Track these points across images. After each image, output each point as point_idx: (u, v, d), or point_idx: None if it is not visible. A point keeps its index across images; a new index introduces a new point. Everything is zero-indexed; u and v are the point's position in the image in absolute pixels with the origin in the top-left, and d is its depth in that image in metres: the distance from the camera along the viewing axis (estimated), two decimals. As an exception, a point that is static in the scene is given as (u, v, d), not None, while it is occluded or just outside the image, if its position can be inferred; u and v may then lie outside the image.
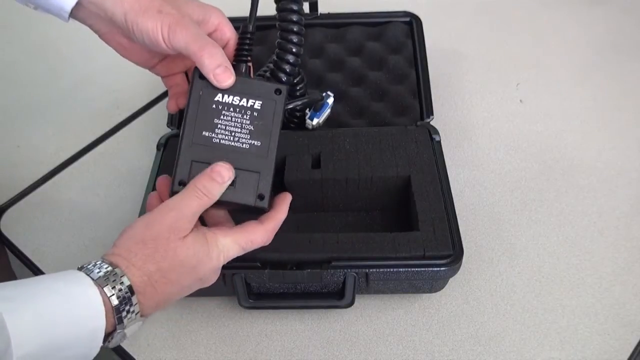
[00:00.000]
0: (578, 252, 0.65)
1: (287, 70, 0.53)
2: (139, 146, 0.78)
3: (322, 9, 0.79)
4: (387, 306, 0.62)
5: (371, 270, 0.56)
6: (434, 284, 0.59)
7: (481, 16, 0.92)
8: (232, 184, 0.49)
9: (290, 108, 0.64)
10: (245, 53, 0.52)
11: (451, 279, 0.60)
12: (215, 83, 0.49)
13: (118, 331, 0.43)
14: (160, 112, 0.82)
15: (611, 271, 0.63)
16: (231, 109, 0.50)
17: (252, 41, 0.53)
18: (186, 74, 0.57)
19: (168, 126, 0.71)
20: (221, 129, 0.50)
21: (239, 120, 0.50)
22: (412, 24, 0.78)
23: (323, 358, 0.58)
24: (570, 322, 0.60)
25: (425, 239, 0.57)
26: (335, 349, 0.59)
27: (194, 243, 0.47)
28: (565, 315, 0.60)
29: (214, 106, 0.50)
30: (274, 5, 0.53)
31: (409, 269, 0.56)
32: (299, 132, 0.66)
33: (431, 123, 0.69)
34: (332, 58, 0.77)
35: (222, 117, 0.50)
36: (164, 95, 0.83)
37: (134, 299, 0.43)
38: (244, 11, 0.53)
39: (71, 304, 0.41)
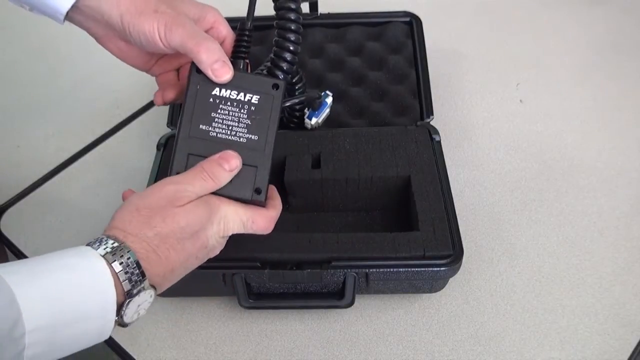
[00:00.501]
0: (578, 252, 0.65)
1: (284, 68, 0.53)
2: (139, 146, 0.78)
3: (322, 9, 0.79)
4: (387, 306, 0.62)
5: (371, 270, 0.56)
6: (434, 284, 0.59)
7: (481, 16, 0.92)
8: None
9: (289, 107, 0.64)
10: (243, 50, 0.52)
11: (451, 279, 0.60)
12: (213, 78, 0.49)
13: (128, 300, 0.42)
14: (160, 112, 0.82)
15: (611, 271, 0.63)
16: (228, 103, 0.50)
17: (250, 38, 0.53)
18: (177, 71, 0.57)
19: (168, 126, 0.71)
20: (218, 122, 0.50)
21: (236, 115, 0.50)
22: (412, 24, 0.78)
23: (323, 358, 0.58)
24: (570, 322, 0.60)
25: (425, 239, 0.57)
26: (335, 349, 0.59)
27: (195, 208, 0.46)
28: (565, 315, 0.60)
29: (211, 100, 0.50)
30: (273, 6, 0.53)
31: (409, 269, 0.56)
32: (299, 132, 0.66)
33: (431, 123, 0.69)
34: (332, 58, 0.77)
35: (219, 110, 0.50)
36: (164, 95, 0.83)
37: (138, 265, 0.43)
38: (241, 12, 0.53)
39: (79, 276, 0.41)
